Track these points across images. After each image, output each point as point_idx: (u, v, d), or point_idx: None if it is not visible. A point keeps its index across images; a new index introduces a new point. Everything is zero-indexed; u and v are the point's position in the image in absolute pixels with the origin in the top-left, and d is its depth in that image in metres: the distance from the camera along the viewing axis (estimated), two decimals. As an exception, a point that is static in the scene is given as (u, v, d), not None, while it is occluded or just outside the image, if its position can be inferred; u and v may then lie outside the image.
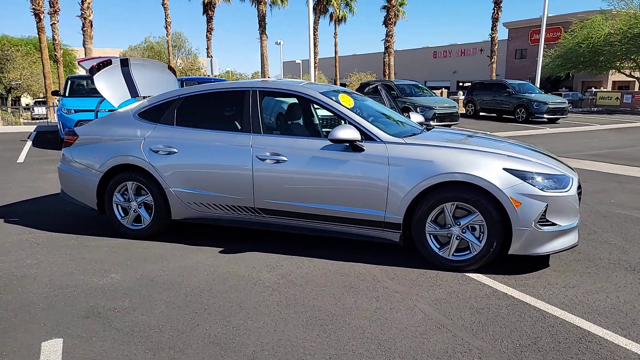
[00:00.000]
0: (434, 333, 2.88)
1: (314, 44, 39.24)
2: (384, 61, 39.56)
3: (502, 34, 59.64)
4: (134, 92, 5.30)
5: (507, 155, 3.82)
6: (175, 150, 4.43)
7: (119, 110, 4.94)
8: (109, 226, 5.01)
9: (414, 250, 4.03)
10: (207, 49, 35.59)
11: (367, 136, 3.98)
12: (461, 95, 23.83)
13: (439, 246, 3.87)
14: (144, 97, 5.39)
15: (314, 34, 37.86)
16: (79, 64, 5.05)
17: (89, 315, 3.17)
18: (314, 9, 38.43)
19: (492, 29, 28.77)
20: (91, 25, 19.63)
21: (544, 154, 4.26)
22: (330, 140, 3.90)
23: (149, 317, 3.12)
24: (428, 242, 3.86)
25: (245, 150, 4.24)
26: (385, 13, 29.10)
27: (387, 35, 27.13)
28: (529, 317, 3.07)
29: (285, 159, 4.10)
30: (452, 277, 3.71)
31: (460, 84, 56.75)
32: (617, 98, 34.07)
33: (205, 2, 34.56)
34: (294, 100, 4.74)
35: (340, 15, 43.54)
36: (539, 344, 2.75)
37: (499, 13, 27.01)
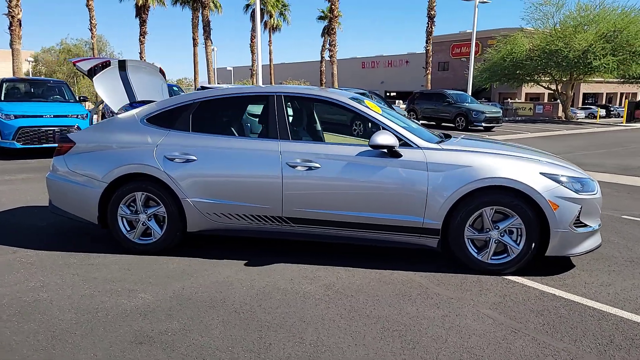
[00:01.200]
0: (514, 338, 2.89)
1: (252, 51, 38.91)
2: (321, 70, 40.24)
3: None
4: (131, 96, 4.92)
5: (539, 160, 3.96)
6: (194, 157, 4.14)
7: (122, 114, 4.55)
8: (104, 241, 4.61)
9: (449, 255, 4.04)
10: (140, 53, 34.09)
11: (403, 142, 3.95)
12: (402, 104, 24.63)
13: (476, 250, 3.92)
14: (132, 103, 5.03)
15: (251, 41, 37.67)
16: (74, 64, 4.60)
17: (141, 340, 2.85)
18: (251, 16, 38.17)
19: (426, 42, 30.08)
20: (20, 24, 18.07)
21: (557, 158, 4.46)
22: (371, 146, 3.84)
23: (211, 339, 2.87)
24: (467, 247, 3.90)
25: (273, 157, 4.05)
26: (327, 23, 29.53)
27: (330, 45, 27.56)
28: (589, 316, 3.18)
29: (318, 165, 3.97)
30: (494, 281, 3.76)
31: (388, 93, 58.69)
32: (530, 108, 36.87)
33: (139, 4, 33.08)
34: (320, 105, 4.62)
35: (274, 24, 43.58)
36: (615, 342, 2.85)
37: (433, 27, 28.35)
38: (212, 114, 4.41)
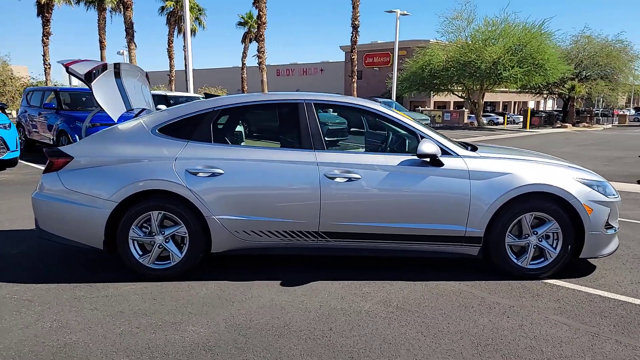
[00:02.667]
0: (601, 342, 2.93)
1: (170, 57, 37.23)
2: (243, 77, 39.56)
3: (340, 56, 63.97)
4: (127, 105, 4.40)
5: (569, 166, 4.11)
6: (221, 171, 3.78)
7: (125, 124, 4.04)
8: (99, 268, 4.10)
9: (487, 262, 4.05)
10: (43, 55, 31.15)
11: (444, 151, 3.91)
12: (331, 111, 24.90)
13: (515, 256, 3.96)
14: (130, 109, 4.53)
15: (169, 46, 36.07)
16: (66, 67, 3.99)
17: (228, 382, 2.50)
18: (168, 20, 36.56)
19: (351, 51, 30.74)
20: None
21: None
22: (419, 155, 3.75)
23: (306, 372, 2.59)
24: (507, 253, 3.93)
25: (310, 168, 3.81)
26: (247, 29, 29.03)
27: (258, 52, 27.08)
28: (646, 314, 3.32)
29: (358, 176, 3.80)
30: (537, 286, 3.82)
31: (305, 102, 59.03)
32: (439, 115, 39.15)
33: (42, 2, 30.22)
34: (350, 113, 4.43)
35: (190, 29, 42.10)
36: (687, 336, 2.99)
37: (357, 37, 29.07)
38: (235, 123, 4.07)
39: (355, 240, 3.91)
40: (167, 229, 3.85)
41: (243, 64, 40.12)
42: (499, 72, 26.27)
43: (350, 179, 3.80)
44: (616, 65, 42.29)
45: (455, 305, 3.46)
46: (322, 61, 67.21)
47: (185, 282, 3.84)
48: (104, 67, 4.06)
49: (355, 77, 30.05)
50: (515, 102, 62.71)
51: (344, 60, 60.32)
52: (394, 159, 3.88)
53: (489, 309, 3.40)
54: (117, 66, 4.27)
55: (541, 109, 61.05)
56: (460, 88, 32.08)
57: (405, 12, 26.20)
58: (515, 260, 3.94)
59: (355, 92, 29.47)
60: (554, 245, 3.93)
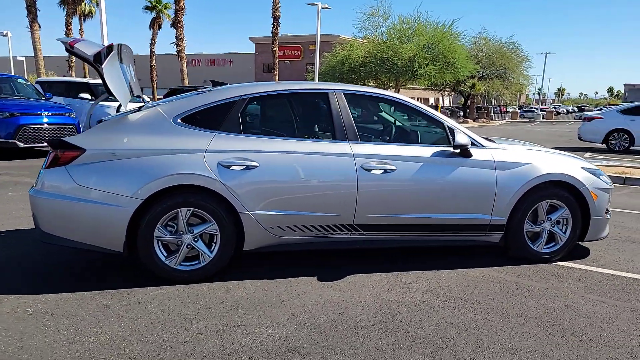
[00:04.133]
0: (645, 317, 3.21)
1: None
2: (152, 65, 37.39)
3: (250, 47, 62.84)
4: (130, 90, 3.99)
5: (572, 156, 4.43)
6: (255, 164, 3.57)
7: (141, 113, 3.66)
8: (109, 272, 3.70)
9: (505, 248, 4.24)
10: None
11: (472, 143, 4.02)
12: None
13: (531, 242, 4.21)
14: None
15: (67, 29, 32.96)
16: (70, 46, 3.48)
17: (339, 383, 2.39)
18: (62, 2, 33.31)
19: (272, 43, 30.35)
20: None
21: None
22: (456, 146, 3.83)
23: (408, 366, 2.55)
24: (525, 239, 4.16)
25: (346, 160, 3.73)
26: (155, 15, 27.34)
27: (177, 39, 25.60)
28: (659, 288, 3.70)
29: (393, 167, 3.80)
30: (553, 268, 4.09)
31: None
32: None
33: None
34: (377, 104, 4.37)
35: (86, 10, 38.76)
36: None
37: (278, 28, 28.75)
38: (263, 113, 3.85)
39: (388, 232, 3.91)
40: (195, 227, 3.56)
41: (152, 51, 37.89)
42: (414, 69, 27.52)
43: (386, 171, 3.78)
44: (509, 65, 46.25)
45: (497, 290, 3.59)
46: (230, 52, 65.59)
47: (216, 283, 3.59)
48: (110, 48, 3.62)
49: (277, 69, 29.75)
50: (418, 99, 66.02)
51: (253, 52, 59.51)
52: (426, 150, 3.93)
53: (528, 292, 3.57)
54: (119, 48, 3.84)
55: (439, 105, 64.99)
56: (376, 84, 33.11)
57: (327, 6, 26.45)
58: (531, 246, 4.18)
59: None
60: (564, 230, 4.22)
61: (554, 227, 4.20)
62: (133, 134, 3.53)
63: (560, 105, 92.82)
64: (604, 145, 14.77)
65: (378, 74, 29.95)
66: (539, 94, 78.27)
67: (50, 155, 3.46)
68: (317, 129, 4.02)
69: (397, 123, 4.84)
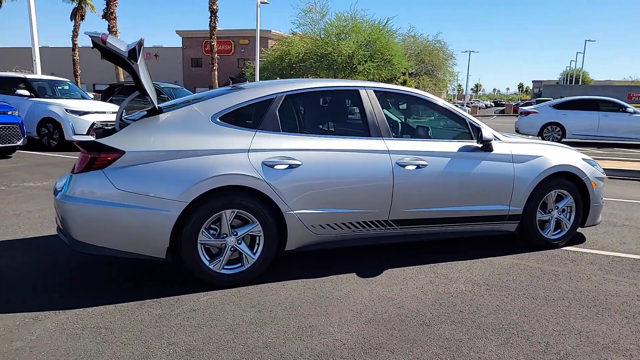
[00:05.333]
0: (663, 291, 3.56)
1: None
2: (74, 59, 34.99)
3: (176, 41, 60.68)
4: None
5: (571, 148, 4.77)
6: (298, 162, 3.53)
7: (176, 112, 3.49)
8: (137, 278, 3.53)
9: (518, 236, 4.50)
10: None
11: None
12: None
13: (540, 229, 4.50)
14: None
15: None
16: (103, 41, 3.22)
17: (441, 374, 2.45)
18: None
19: (210, 37, 29.48)
20: None
21: None
22: (484, 141, 4.01)
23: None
24: (537, 227, 4.44)
25: (382, 156, 3.79)
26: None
27: (110, 31, 23.99)
28: (661, 266, 4.11)
29: (425, 163, 3.91)
30: (563, 253, 4.39)
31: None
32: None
33: None
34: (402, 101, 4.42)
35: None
36: None
37: (216, 22, 27.99)
38: (298, 110, 3.81)
39: (418, 226, 4.01)
40: (239, 229, 3.46)
41: (74, 44, 35.43)
42: (354, 65, 28.02)
43: (418, 166, 3.88)
44: (436, 62, 48.34)
45: (527, 276, 3.81)
46: (155, 46, 62.85)
47: (259, 285, 3.51)
48: (141, 43, 3.41)
49: (217, 64, 29.03)
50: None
51: (181, 45, 57.40)
52: (453, 146, 4.07)
53: (555, 276, 3.83)
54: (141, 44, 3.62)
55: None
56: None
57: (266, 0, 26.18)
58: (542, 233, 4.47)
59: (216, 82, 28.49)
60: (569, 217, 4.55)
61: (560, 214, 4.52)
62: (172, 135, 3.36)
63: (479, 100, 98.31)
64: (539, 138, 15.91)
65: (317, 70, 30.16)
66: (458, 90, 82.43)
67: (83, 158, 3.21)
68: (351, 126, 4.04)
69: (407, 120, 4.97)
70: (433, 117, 5.24)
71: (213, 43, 29.09)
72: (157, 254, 3.31)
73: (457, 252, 4.33)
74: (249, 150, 3.44)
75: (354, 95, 3.94)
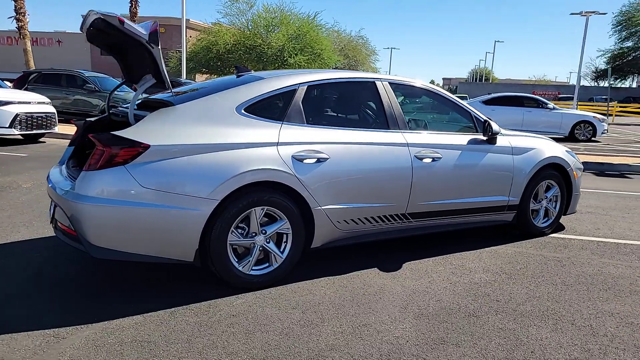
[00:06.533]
0: (655, 271, 3.88)
1: None
2: None
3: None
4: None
5: (554, 141, 5.05)
6: (326, 156, 3.41)
7: (197, 103, 3.22)
8: (167, 284, 3.28)
9: (509, 227, 4.69)
10: None
11: (497, 130, 4.34)
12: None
13: (532, 218, 4.72)
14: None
15: None
16: (120, 22, 2.87)
17: None
18: None
19: (132, 25, 27.62)
20: None
21: None
22: (493, 134, 4.11)
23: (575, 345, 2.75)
24: (530, 216, 4.66)
25: (402, 149, 3.77)
26: None
27: (17, 12, 21.44)
28: (641, 249, 4.48)
29: (440, 155, 3.94)
30: (554, 240, 4.65)
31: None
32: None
33: None
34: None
35: None
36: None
37: (137, 8, 26.30)
38: (319, 103, 3.67)
39: (431, 219, 4.05)
40: (267, 227, 3.28)
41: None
42: (284, 58, 27.79)
43: (434, 159, 3.90)
44: (359, 58, 49.40)
45: (535, 263, 3.98)
46: (57, 30, 57.92)
47: (288, 285, 3.36)
48: (157, 26, 3.10)
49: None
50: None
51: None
52: (463, 138, 4.14)
53: (560, 262, 4.04)
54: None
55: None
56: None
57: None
58: (534, 221, 4.70)
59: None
60: (555, 206, 4.83)
61: (548, 203, 4.77)
62: (197, 127, 3.10)
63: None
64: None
65: (246, 62, 29.57)
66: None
67: (100, 153, 2.85)
68: (370, 119, 3.96)
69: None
70: (431, 109, 5.32)
71: (135, 31, 27.32)
72: (184, 258, 3.04)
73: (459, 243, 4.43)
74: (277, 144, 3.26)
75: (371, 86, 3.87)
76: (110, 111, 3.89)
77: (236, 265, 3.17)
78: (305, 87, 3.54)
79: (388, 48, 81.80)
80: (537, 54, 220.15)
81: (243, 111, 3.26)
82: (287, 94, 3.45)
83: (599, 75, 49.82)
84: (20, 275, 3.35)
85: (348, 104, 4.01)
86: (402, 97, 4.75)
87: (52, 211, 3.31)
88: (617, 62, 46.48)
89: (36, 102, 10.46)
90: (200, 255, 3.07)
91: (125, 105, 3.93)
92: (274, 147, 3.23)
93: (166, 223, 2.93)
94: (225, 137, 3.11)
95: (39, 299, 3.01)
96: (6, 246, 3.90)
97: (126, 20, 2.94)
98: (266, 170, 3.15)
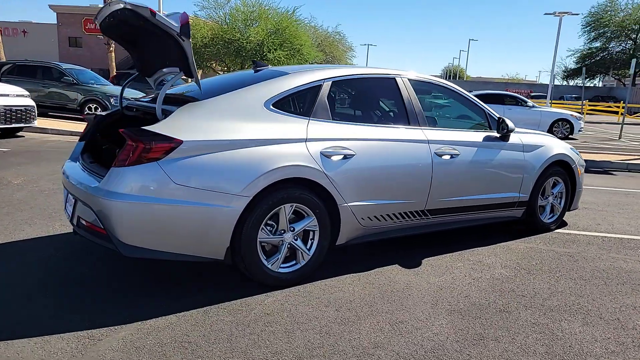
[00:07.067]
0: (663, 265, 4.00)
1: None
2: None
3: (49, 17, 54.38)
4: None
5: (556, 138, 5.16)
6: (352, 152, 3.39)
7: (225, 97, 3.15)
8: (188, 282, 3.21)
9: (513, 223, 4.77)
10: None
11: (509, 127, 4.39)
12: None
13: (539, 213, 4.81)
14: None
15: None
16: (152, 13, 2.77)
17: (558, 359, 2.52)
18: None
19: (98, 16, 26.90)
20: None
21: None
22: (508, 132, 4.17)
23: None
24: (538, 212, 4.74)
25: (423, 146, 3.78)
26: None
27: None
28: (644, 243, 4.62)
29: (458, 152, 3.97)
30: (561, 235, 4.75)
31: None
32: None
33: None
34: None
35: None
36: (685, 254, 4.36)
37: None
38: (343, 98, 3.64)
39: (448, 215, 4.07)
40: (295, 224, 3.24)
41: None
42: (264, 53, 27.55)
43: (452, 156, 3.93)
44: (336, 54, 49.42)
45: (548, 259, 4.06)
46: (22, 21, 55.82)
47: (314, 283, 3.33)
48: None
49: (113, 46, 26.57)
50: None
51: (56, 22, 51.77)
52: (478, 135, 4.18)
53: (571, 257, 4.12)
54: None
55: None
56: (221, 67, 32.25)
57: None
58: (541, 217, 4.79)
59: (113, 63, 26.09)
60: (560, 203, 4.93)
61: (554, 200, 4.87)
62: (227, 122, 3.03)
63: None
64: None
65: (225, 56, 29.22)
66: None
67: (132, 148, 2.76)
68: (392, 115, 3.95)
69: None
70: (444, 106, 5.35)
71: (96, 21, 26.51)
72: (215, 256, 2.98)
73: (472, 239, 4.47)
74: (306, 140, 3.22)
75: (391, 83, 3.86)
76: (124, 105, 3.78)
77: (265, 263, 3.13)
78: (330, 83, 3.50)
79: (365, 44, 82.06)
80: (510, 53, 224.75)
81: (271, 106, 3.21)
82: (313, 90, 3.41)
83: (569, 74, 51.27)
84: (37, 274, 3.22)
85: (370, 100, 4.00)
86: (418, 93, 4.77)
87: (71, 208, 3.19)
88: (586, 62, 47.93)
89: (15, 95, 10.06)
90: (230, 253, 3.01)
91: (141, 99, 3.82)
92: (302, 144, 3.19)
93: (198, 220, 2.86)
94: (255, 133, 3.06)
95: (62, 298, 2.90)
96: (15, 245, 3.75)
97: (157, 12, 2.84)
98: (297, 166, 3.10)
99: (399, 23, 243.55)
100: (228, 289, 3.15)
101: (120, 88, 15.80)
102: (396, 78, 3.87)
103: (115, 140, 3.56)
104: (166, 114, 2.98)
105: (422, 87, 4.15)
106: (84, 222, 3.02)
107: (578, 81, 52.30)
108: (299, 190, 3.17)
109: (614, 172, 9.56)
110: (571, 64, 52.88)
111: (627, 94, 18.12)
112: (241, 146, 2.98)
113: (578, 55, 49.96)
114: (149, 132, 2.79)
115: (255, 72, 3.75)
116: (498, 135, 4.27)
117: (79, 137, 3.84)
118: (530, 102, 16.79)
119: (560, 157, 4.72)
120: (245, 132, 3.03)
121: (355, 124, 3.53)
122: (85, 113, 14.18)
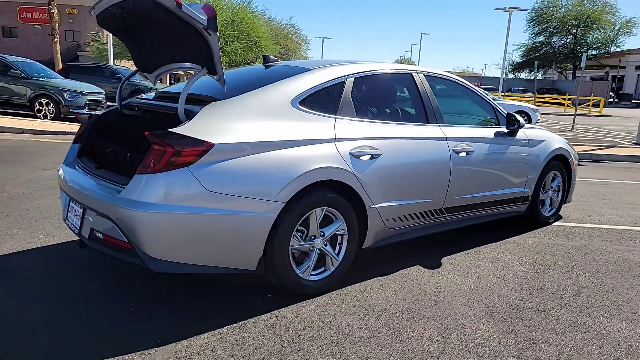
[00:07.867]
0: (667, 256, 4.13)
1: None
2: None
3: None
4: None
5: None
6: (379, 152, 3.25)
7: (250, 95, 2.92)
8: (212, 295, 3.01)
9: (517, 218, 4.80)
10: None
11: (517, 122, 4.38)
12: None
13: (540, 207, 4.86)
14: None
15: None
16: (178, 4, 2.49)
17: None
18: None
19: (49, 3, 25.22)
20: None
21: None
22: (519, 127, 4.16)
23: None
24: (539, 206, 4.79)
25: (442, 144, 3.70)
26: None
27: None
28: (640, 234, 4.76)
29: (473, 149, 3.92)
30: (562, 228, 4.82)
31: None
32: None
33: None
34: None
35: None
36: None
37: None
38: (365, 95, 3.49)
39: (462, 212, 4.02)
40: (325, 229, 3.08)
41: None
42: (221, 45, 26.83)
43: (467, 152, 3.87)
44: (291, 47, 49.01)
45: (560, 253, 4.09)
46: None
47: (343, 289, 3.18)
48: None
49: (58, 36, 24.98)
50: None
51: (-13, 11, 48.28)
52: (489, 132, 4.15)
53: (580, 251, 4.18)
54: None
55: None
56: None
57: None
58: (542, 211, 4.84)
59: (58, 55, 24.48)
60: (557, 196, 5.01)
61: (553, 193, 4.94)
62: (255, 122, 2.81)
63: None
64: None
65: (179, 49, 28.23)
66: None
67: (159, 153, 2.49)
68: (411, 112, 3.83)
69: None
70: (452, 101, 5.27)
71: (52, 10, 24.92)
72: (247, 266, 2.77)
73: (480, 236, 4.45)
74: (335, 140, 3.05)
75: (408, 79, 3.74)
76: (122, 103, 3.47)
77: (297, 271, 2.94)
78: (353, 79, 3.34)
79: (320, 37, 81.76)
80: (460, 46, 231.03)
81: (298, 104, 3.02)
82: (338, 86, 3.24)
83: (516, 67, 53.30)
84: (39, 295, 2.89)
85: (389, 96, 3.87)
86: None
87: (78, 219, 2.88)
88: (531, 56, 49.99)
89: None
90: (263, 263, 2.81)
91: (143, 97, 3.52)
92: (332, 144, 3.02)
93: (232, 229, 2.64)
94: (285, 133, 2.86)
95: (75, 320, 2.61)
96: (0, 260, 3.37)
97: (185, 4, 2.58)
98: (329, 168, 2.93)
99: (352, 17, 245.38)
100: (253, 300, 2.95)
101: (71, 82, 14.77)
102: (412, 74, 3.75)
103: (120, 142, 3.26)
104: (188, 114, 2.73)
105: (434, 82, 4.06)
106: (99, 235, 2.72)
107: (524, 74, 54.51)
108: (330, 192, 3.00)
109: (581, 163, 9.92)
110: (517, 57, 54.98)
111: (576, 86, 18.93)
112: (272, 148, 2.77)
113: (523, 49, 52.05)
114: (177, 134, 2.54)
115: (266, 68, 3.54)
116: (506, 130, 4.25)
117: (72, 139, 3.49)
118: (490, 95, 17.22)
119: (560, 151, 4.78)
120: (275, 133, 2.82)
121: (379, 121, 3.39)
122: (76, 113, 13.43)
